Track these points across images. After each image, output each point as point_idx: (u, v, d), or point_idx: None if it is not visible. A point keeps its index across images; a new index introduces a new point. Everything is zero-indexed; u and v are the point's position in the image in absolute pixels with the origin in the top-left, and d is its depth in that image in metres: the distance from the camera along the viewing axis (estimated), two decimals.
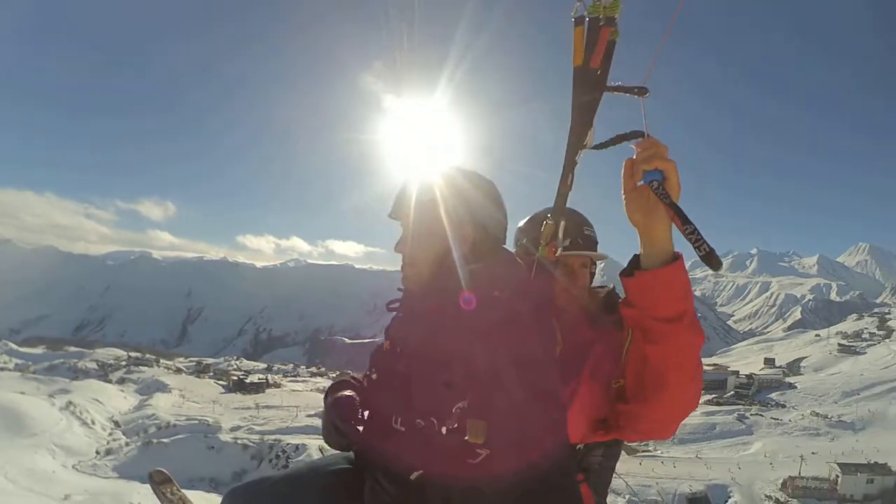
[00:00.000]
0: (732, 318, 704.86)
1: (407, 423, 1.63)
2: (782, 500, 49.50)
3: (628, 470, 50.41)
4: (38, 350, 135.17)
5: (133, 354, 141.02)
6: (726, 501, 49.72)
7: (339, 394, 1.86)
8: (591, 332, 2.08)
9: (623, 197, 1.51)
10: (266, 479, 1.99)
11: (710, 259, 1.31)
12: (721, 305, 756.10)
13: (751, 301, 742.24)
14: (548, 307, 1.75)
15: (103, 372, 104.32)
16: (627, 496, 45.36)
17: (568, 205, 1.87)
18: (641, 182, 1.45)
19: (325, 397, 1.92)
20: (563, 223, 1.86)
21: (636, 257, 1.55)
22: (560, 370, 1.65)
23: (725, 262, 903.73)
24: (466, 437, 1.50)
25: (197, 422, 63.25)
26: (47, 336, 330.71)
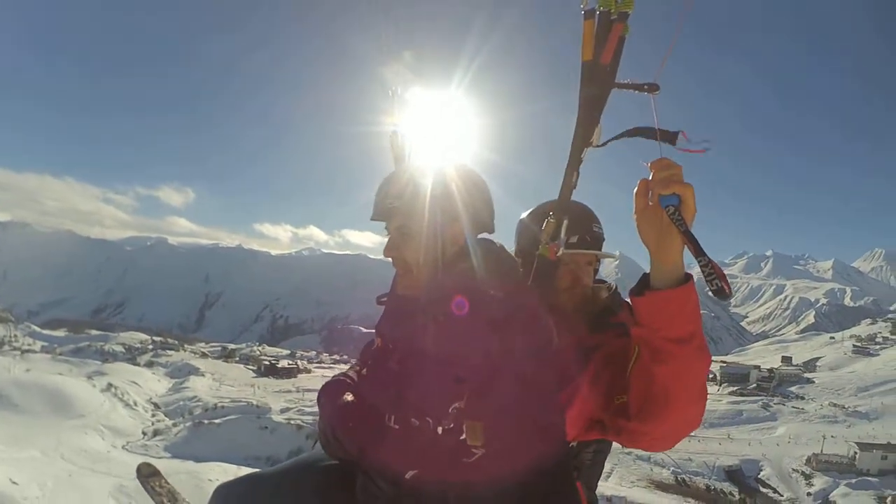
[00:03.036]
0: (746, 320, 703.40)
1: (401, 421, 1.62)
2: (807, 472, 54.90)
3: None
4: (60, 333, 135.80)
5: (156, 338, 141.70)
6: (758, 473, 55.10)
7: (338, 399, 1.78)
8: (593, 337, 2.01)
9: (635, 216, 1.45)
10: (255, 476, 2.00)
11: (720, 294, 1.28)
12: (735, 306, 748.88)
13: (765, 303, 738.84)
14: (544, 305, 1.73)
15: (131, 355, 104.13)
16: (671, 468, 51.46)
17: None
18: (653, 202, 1.39)
19: (319, 398, 1.85)
20: (565, 221, 1.81)
21: (646, 276, 1.48)
22: (558, 370, 1.65)
23: (740, 264, 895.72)
24: (463, 438, 1.51)
25: (245, 403, 62.97)
26: (67, 318, 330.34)
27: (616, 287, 2.32)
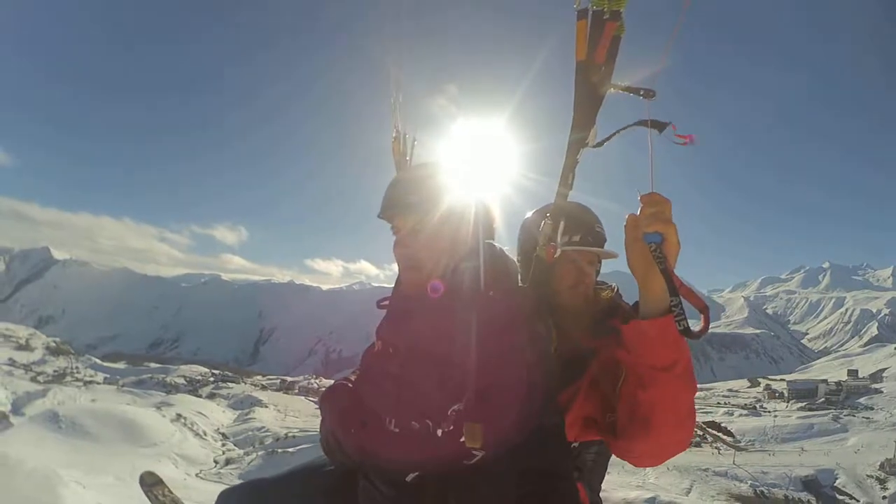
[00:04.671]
0: (807, 337, 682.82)
1: (401, 424, 1.62)
2: (882, 477, 55.81)
3: (745, 461, 57.15)
4: (120, 365, 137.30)
5: (216, 371, 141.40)
6: (834, 481, 55.73)
7: (339, 404, 1.84)
8: (594, 341, 1.99)
9: (625, 248, 1.49)
10: (258, 482, 2.03)
11: (687, 335, 1.33)
12: (794, 324, 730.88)
13: (825, 318, 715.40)
14: (544, 307, 1.80)
15: (192, 387, 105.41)
16: (749, 482, 52.92)
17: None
18: (639, 238, 1.42)
19: (321, 404, 1.92)
20: (562, 223, 1.82)
21: (636, 305, 1.53)
22: (558, 372, 1.69)
23: (797, 279, 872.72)
24: (463, 440, 1.50)
25: (314, 433, 60.23)
26: (124, 352, 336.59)
27: (618, 289, 2.32)
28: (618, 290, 2.31)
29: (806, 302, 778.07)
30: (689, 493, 47.12)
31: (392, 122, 2.28)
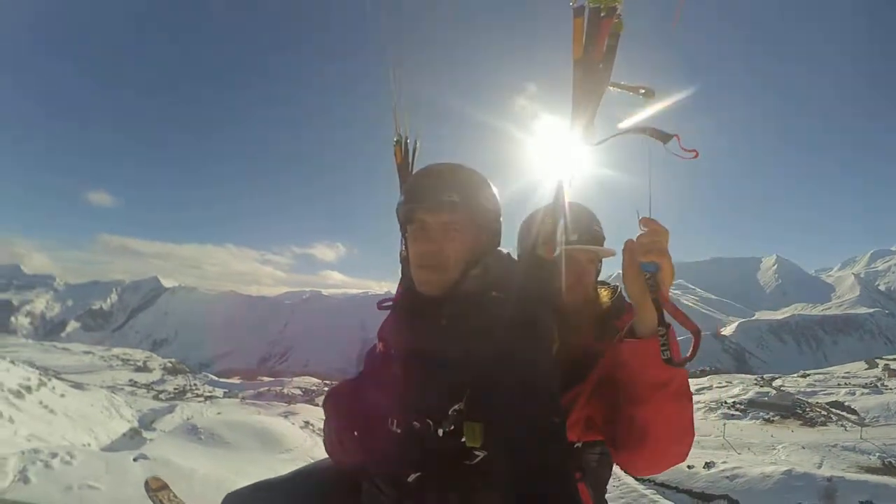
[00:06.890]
0: None
1: (403, 424, 1.63)
2: None
3: (872, 435, 58.02)
4: (235, 380, 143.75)
5: (327, 381, 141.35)
6: None
7: (342, 405, 1.85)
8: (597, 343, 1.97)
9: (622, 272, 1.55)
10: (263, 484, 2.03)
11: (669, 364, 1.41)
12: None
13: None
14: (546, 307, 1.74)
15: (308, 397, 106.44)
16: (877, 454, 53.61)
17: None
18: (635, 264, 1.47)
19: (325, 405, 1.89)
20: (562, 221, 1.82)
21: (632, 324, 1.58)
22: (561, 372, 1.63)
23: None
24: (464, 440, 1.50)
25: None
26: (238, 368, 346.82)
27: (620, 289, 2.23)
28: (620, 291, 2.25)
29: None
30: (820, 466, 48.09)
31: (394, 125, 2.31)
